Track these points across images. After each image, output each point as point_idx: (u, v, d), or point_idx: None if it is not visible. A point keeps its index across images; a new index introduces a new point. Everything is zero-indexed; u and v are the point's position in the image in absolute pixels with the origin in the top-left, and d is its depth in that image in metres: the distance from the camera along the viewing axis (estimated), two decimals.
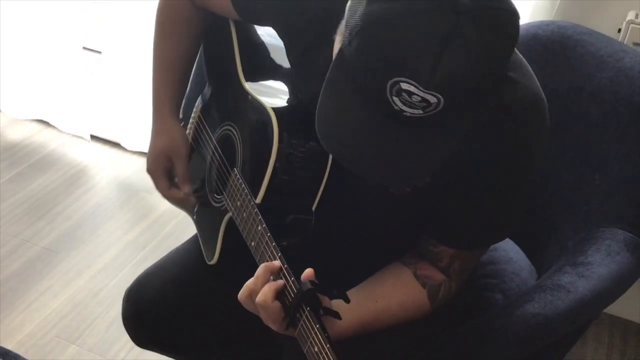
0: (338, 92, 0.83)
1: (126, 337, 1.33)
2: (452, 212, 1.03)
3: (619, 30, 1.65)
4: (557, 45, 1.38)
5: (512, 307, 1.12)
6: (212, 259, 1.22)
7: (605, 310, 1.55)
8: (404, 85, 0.75)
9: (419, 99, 0.75)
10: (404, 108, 0.77)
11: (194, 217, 1.33)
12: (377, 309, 1.04)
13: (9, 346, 1.80)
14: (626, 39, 1.63)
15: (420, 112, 0.77)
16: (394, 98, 0.76)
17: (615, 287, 1.16)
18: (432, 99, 0.75)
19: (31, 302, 1.95)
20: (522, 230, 1.42)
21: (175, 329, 1.27)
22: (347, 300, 0.95)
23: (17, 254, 2.10)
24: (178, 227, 2.24)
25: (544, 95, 1.00)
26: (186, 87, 1.34)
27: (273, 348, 1.25)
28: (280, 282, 0.96)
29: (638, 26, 1.62)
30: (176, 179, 1.28)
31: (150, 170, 1.27)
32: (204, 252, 1.26)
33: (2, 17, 2.51)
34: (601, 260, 1.16)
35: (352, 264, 1.14)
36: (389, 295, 1.06)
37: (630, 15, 1.64)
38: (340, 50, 0.81)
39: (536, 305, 1.10)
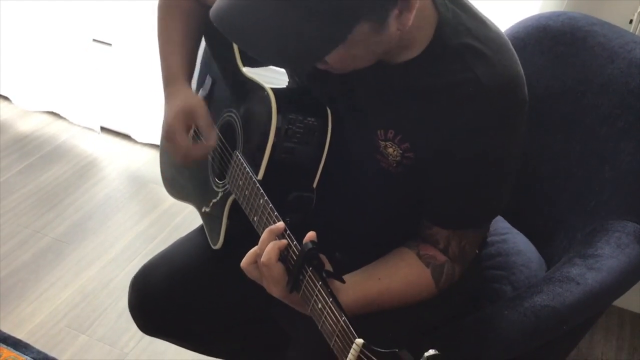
0: None
1: (136, 327, 1.34)
2: (438, 192, 1.06)
3: (631, 22, 1.64)
4: (567, 37, 1.38)
5: (521, 298, 1.12)
6: (217, 243, 1.22)
7: (614, 303, 1.55)
8: None
9: None
10: None
11: (199, 206, 1.34)
12: (381, 286, 1.05)
13: (20, 336, 1.81)
14: (638, 30, 1.63)
15: None
16: None
17: (625, 280, 1.16)
18: None
19: (42, 292, 1.96)
20: (532, 223, 1.42)
21: (182, 316, 1.28)
22: (348, 260, 0.97)
23: (28, 244, 2.11)
24: (187, 218, 2.24)
25: (520, 71, 1.02)
26: (194, 64, 1.32)
27: (280, 337, 1.26)
28: (284, 241, 0.97)
29: None
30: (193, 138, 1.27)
31: (171, 126, 1.21)
32: (209, 238, 1.27)
33: (13, 9, 2.52)
34: (611, 253, 1.16)
35: (356, 244, 1.15)
36: (392, 273, 1.07)
37: None
38: None
39: (545, 297, 1.10)
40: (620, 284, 1.15)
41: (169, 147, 1.24)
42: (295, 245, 0.96)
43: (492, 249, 1.35)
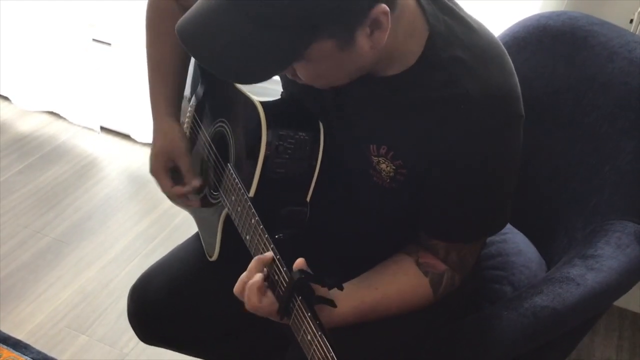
0: None
1: None
2: (433, 207, 1.04)
3: (631, 21, 1.64)
4: (568, 36, 1.37)
5: (521, 299, 1.11)
6: (212, 255, 1.22)
7: (615, 303, 1.54)
8: None
9: None
10: None
11: (195, 215, 1.33)
12: (376, 296, 1.04)
13: (20, 336, 1.81)
14: (638, 30, 1.62)
15: None
16: None
17: (625, 280, 1.15)
18: None
19: (41, 292, 1.96)
20: (532, 223, 1.41)
21: (180, 325, 1.28)
22: (341, 288, 0.95)
23: (27, 244, 2.11)
24: (188, 218, 2.22)
25: (514, 85, 0.99)
26: (182, 86, 1.32)
27: (279, 340, 1.25)
28: (260, 280, 0.96)
29: None
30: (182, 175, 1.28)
31: (153, 171, 1.26)
32: (205, 249, 1.26)
33: (13, 9, 2.52)
34: (611, 253, 1.15)
35: (350, 258, 1.14)
36: (389, 282, 1.05)
37: None
38: None
39: (545, 298, 1.09)
40: (620, 284, 1.14)
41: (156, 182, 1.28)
42: (285, 272, 0.94)
43: (492, 249, 1.35)
